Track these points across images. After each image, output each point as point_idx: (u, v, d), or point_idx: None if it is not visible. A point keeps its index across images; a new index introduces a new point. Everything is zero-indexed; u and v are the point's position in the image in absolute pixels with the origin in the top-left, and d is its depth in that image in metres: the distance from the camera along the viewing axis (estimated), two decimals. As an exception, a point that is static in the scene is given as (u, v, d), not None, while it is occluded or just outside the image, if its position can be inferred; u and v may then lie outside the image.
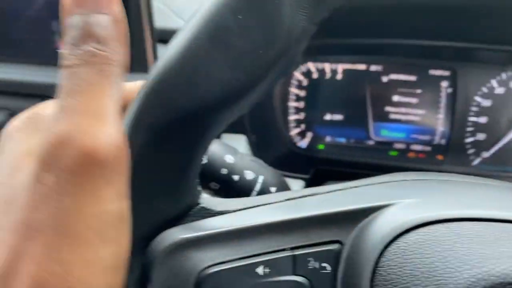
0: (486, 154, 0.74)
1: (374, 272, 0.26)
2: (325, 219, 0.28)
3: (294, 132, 0.77)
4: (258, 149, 0.72)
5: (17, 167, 0.24)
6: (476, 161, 0.74)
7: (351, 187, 0.33)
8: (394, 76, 0.74)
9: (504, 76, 0.71)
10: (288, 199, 0.31)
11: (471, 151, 0.74)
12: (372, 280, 0.26)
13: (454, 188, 0.33)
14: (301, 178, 0.73)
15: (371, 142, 0.76)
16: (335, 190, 0.33)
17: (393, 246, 0.27)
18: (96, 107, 0.22)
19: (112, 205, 0.22)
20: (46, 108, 0.28)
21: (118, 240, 0.23)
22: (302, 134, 0.77)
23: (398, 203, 0.29)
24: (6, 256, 0.21)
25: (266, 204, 0.31)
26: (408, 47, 0.73)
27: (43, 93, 0.62)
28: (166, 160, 0.27)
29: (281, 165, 0.71)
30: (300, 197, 0.32)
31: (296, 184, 0.71)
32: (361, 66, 0.74)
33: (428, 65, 0.73)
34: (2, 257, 0.21)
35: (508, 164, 0.73)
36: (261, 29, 0.26)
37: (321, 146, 0.77)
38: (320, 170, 0.75)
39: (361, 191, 0.33)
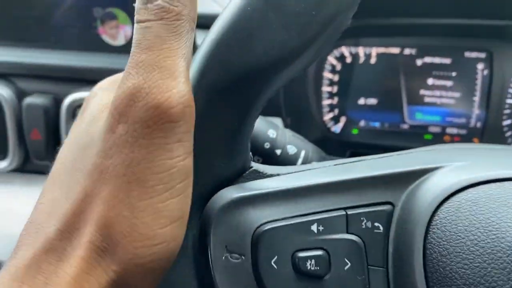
0: (523, 137, 0.72)
1: (427, 230, 0.27)
2: (376, 180, 0.29)
3: (327, 117, 0.78)
4: (294, 132, 0.72)
5: (96, 118, 0.26)
6: (514, 144, 0.73)
7: (399, 154, 0.34)
8: (428, 59, 0.73)
9: (542, 56, 0.70)
10: (336, 164, 0.32)
11: (508, 133, 0.73)
12: (425, 237, 0.27)
13: (501, 153, 0.33)
14: (337, 161, 0.73)
15: (405, 126, 0.76)
16: (386, 156, 0.33)
17: (446, 205, 0.27)
18: (168, 63, 0.23)
19: (180, 160, 0.24)
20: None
21: (184, 194, 0.24)
22: (335, 119, 0.78)
23: (448, 165, 0.30)
24: (79, 196, 0.23)
25: (316, 168, 0.31)
26: (442, 27, 0.72)
27: (85, 77, 0.64)
28: (223, 121, 0.27)
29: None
30: (349, 162, 0.32)
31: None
32: (395, 50, 0.73)
33: (464, 47, 0.72)
34: (76, 196, 0.23)
35: (546, 147, 0.72)
36: None
37: (355, 131, 0.77)
38: (355, 153, 0.75)
39: (410, 156, 0.33)
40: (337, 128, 0.78)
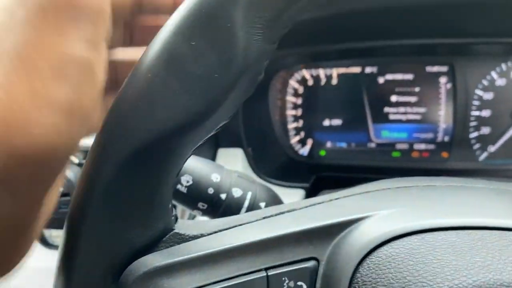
0: (492, 148, 0.72)
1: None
2: (299, 236, 0.28)
3: (294, 140, 0.77)
4: (256, 161, 0.72)
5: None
6: (483, 156, 0.72)
7: (330, 200, 0.33)
8: (390, 76, 0.73)
9: (504, 67, 0.70)
10: (264, 217, 0.31)
11: (476, 146, 0.72)
12: None
13: (434, 195, 0.32)
14: (301, 187, 0.72)
15: (372, 145, 0.75)
16: (313, 204, 0.32)
17: (368, 261, 0.26)
18: None
19: (76, 49, 0.22)
20: None
21: (78, 86, 0.23)
22: (302, 142, 0.77)
23: (374, 215, 0.29)
24: None
25: (241, 224, 0.30)
26: (402, 47, 0.72)
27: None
28: (134, 188, 0.27)
29: (281, 175, 0.71)
30: (276, 214, 0.31)
31: (294, 195, 0.70)
32: (356, 69, 0.73)
33: (425, 62, 0.72)
34: None
35: (516, 157, 0.71)
36: (215, 53, 0.26)
37: (322, 152, 0.77)
38: (319, 177, 0.74)
39: (339, 203, 0.32)
40: (304, 150, 0.77)
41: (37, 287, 0.67)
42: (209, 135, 0.29)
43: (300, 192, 0.72)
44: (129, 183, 0.26)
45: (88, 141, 0.61)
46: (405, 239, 0.27)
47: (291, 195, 0.69)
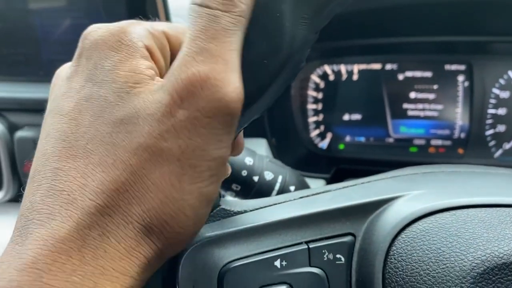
0: (507, 146, 0.74)
1: (385, 260, 0.28)
2: (337, 213, 0.30)
3: (314, 133, 0.79)
4: (279, 152, 0.74)
5: (136, 84, 0.24)
6: (498, 153, 0.74)
7: (362, 183, 0.35)
8: (409, 73, 0.75)
9: (521, 66, 0.71)
10: (302, 197, 0.33)
11: (492, 143, 0.74)
12: (384, 267, 0.28)
13: (461, 178, 0.34)
14: (322, 178, 0.75)
15: (390, 140, 0.77)
16: (347, 186, 0.34)
17: (402, 235, 0.28)
18: (232, 57, 0.24)
19: (226, 151, 0.25)
20: (134, 25, 0.27)
21: (220, 179, 0.26)
22: (322, 135, 0.79)
23: (406, 195, 0.31)
24: (123, 173, 0.23)
25: (281, 202, 0.33)
26: (422, 44, 0.73)
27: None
28: None
29: (302, 166, 0.73)
30: (313, 194, 0.34)
31: (317, 184, 0.72)
32: (376, 66, 0.75)
33: (443, 60, 0.74)
34: (119, 173, 0.23)
35: (530, 155, 0.73)
36: (265, 40, 0.28)
37: (341, 146, 0.79)
38: (340, 169, 0.76)
39: (372, 185, 0.34)
40: (323, 144, 0.79)
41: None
42: (253, 119, 0.31)
43: (322, 182, 0.74)
44: None
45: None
46: (438, 215, 0.29)
47: (313, 184, 0.72)
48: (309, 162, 0.77)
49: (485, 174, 0.36)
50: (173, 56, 0.28)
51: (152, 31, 0.27)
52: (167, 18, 0.59)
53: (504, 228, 0.27)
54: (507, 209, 0.28)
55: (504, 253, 0.25)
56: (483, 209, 0.28)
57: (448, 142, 0.76)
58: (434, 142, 0.76)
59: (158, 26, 0.28)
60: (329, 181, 0.74)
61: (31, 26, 0.65)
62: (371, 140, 0.78)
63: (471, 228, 0.27)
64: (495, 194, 0.30)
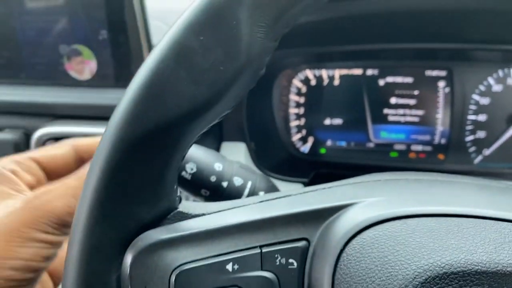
0: (487, 152, 0.74)
1: (335, 266, 0.28)
2: (292, 218, 0.31)
3: (295, 137, 0.80)
4: (258, 156, 0.74)
5: None
6: (478, 159, 0.75)
7: (323, 188, 0.35)
8: (390, 79, 0.75)
9: (501, 73, 0.72)
10: (261, 201, 0.34)
11: (472, 149, 0.74)
12: (333, 274, 0.28)
13: (420, 186, 0.35)
14: (301, 182, 0.75)
15: (371, 145, 0.78)
16: (307, 191, 0.35)
17: (353, 242, 0.29)
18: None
19: None
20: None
21: None
22: (303, 139, 0.80)
23: (362, 201, 0.31)
24: None
25: (241, 206, 0.33)
26: (403, 51, 0.74)
27: (54, 112, 0.66)
28: (142, 169, 0.29)
29: (282, 170, 0.74)
30: (273, 199, 0.34)
31: (292, 189, 0.73)
32: (357, 71, 0.76)
33: (424, 66, 0.74)
34: None
35: (510, 161, 0.73)
36: (221, 48, 0.28)
37: (322, 150, 0.79)
38: (319, 173, 0.76)
39: (332, 191, 0.35)
40: (305, 148, 0.80)
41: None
42: (212, 124, 0.31)
43: (299, 187, 0.74)
44: (138, 163, 0.29)
45: (100, 130, 0.64)
46: (388, 223, 0.29)
47: (291, 188, 0.72)
48: (289, 166, 0.77)
49: (446, 183, 0.36)
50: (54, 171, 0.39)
51: (18, 159, 0.37)
52: (145, 22, 0.60)
53: (450, 238, 0.27)
54: (457, 219, 0.29)
55: (446, 263, 0.26)
56: (434, 218, 0.29)
57: (428, 148, 0.76)
58: (414, 147, 0.77)
59: (26, 154, 0.37)
60: (308, 185, 0.74)
61: (12, 30, 0.65)
62: (352, 145, 0.78)
63: (419, 237, 0.27)
64: (448, 203, 0.30)
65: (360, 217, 0.30)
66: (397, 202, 0.31)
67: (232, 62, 0.29)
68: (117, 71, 0.63)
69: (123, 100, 0.29)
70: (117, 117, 0.29)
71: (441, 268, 0.25)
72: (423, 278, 0.25)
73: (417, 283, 0.25)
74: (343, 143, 0.78)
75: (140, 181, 0.29)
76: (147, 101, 0.28)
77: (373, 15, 0.69)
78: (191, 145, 0.31)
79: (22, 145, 0.66)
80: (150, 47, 0.61)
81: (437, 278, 0.25)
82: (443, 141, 0.75)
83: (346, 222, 0.30)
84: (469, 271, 0.25)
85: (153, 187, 0.30)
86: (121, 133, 0.28)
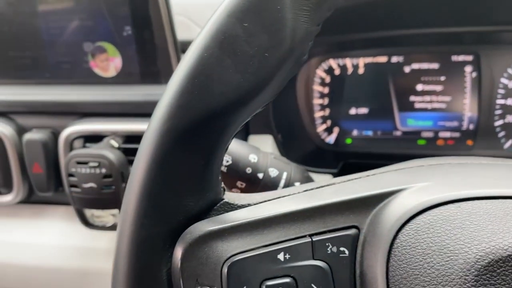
0: (517, 136, 0.73)
1: (389, 253, 0.28)
2: (341, 206, 0.30)
3: (320, 128, 0.79)
4: (285, 148, 0.74)
5: None
6: (507, 144, 0.73)
7: (367, 176, 0.35)
8: (416, 66, 0.74)
9: (530, 55, 0.70)
10: (306, 190, 0.33)
11: (501, 134, 0.73)
12: (387, 260, 0.28)
13: (466, 170, 0.34)
14: (329, 173, 0.74)
15: (398, 133, 0.77)
16: (351, 179, 0.34)
17: (406, 228, 0.28)
18: None
19: None
20: None
21: None
22: (328, 130, 0.79)
23: (411, 187, 0.31)
24: None
25: (285, 196, 0.33)
26: (428, 36, 0.73)
27: (80, 110, 0.67)
28: (189, 161, 0.29)
29: (309, 162, 0.73)
30: (317, 187, 0.33)
31: (323, 179, 0.72)
32: (382, 59, 0.74)
33: (450, 51, 0.73)
34: None
35: (541, 145, 0.72)
36: (265, 34, 0.28)
37: (348, 140, 0.78)
38: (348, 163, 0.76)
39: (376, 178, 0.34)
40: (331, 139, 0.79)
41: (76, 266, 0.70)
42: (256, 112, 0.31)
43: (328, 178, 0.74)
44: (185, 153, 0.29)
45: (127, 126, 0.64)
46: (442, 207, 0.28)
47: (320, 180, 0.71)
48: (316, 157, 0.77)
49: (491, 165, 0.35)
50: None
51: None
52: (170, 18, 0.59)
53: (509, 220, 0.26)
54: None
55: (509, 245, 0.25)
56: (489, 201, 0.28)
57: (456, 134, 0.75)
58: (442, 134, 0.75)
59: None
60: (336, 176, 0.74)
61: (36, 29, 0.65)
62: (379, 134, 0.77)
63: (476, 220, 0.27)
64: (501, 185, 0.29)
65: (411, 202, 0.29)
66: (448, 186, 0.30)
67: (277, 48, 0.28)
68: (143, 67, 0.63)
69: (167, 90, 0.29)
70: (162, 108, 0.29)
71: (504, 251, 0.25)
72: (486, 261, 0.25)
73: (480, 266, 0.25)
74: (369, 133, 0.77)
75: (186, 172, 0.29)
76: (193, 91, 0.28)
77: (396, 0, 0.68)
78: (235, 135, 0.31)
79: (50, 144, 0.66)
80: (175, 43, 0.61)
81: (500, 261, 0.25)
82: (471, 126, 0.74)
83: (397, 208, 0.29)
84: None
85: (200, 178, 0.30)
86: (167, 124, 0.28)
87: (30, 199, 0.71)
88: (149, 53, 0.62)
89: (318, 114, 0.78)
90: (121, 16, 0.61)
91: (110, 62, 0.64)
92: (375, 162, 0.76)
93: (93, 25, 0.63)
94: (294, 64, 0.30)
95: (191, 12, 0.65)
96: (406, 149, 0.76)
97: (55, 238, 0.70)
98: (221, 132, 0.29)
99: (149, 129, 0.29)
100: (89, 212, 0.62)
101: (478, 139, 0.74)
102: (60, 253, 0.69)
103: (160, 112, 0.29)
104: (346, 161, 0.76)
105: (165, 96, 0.29)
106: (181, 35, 0.62)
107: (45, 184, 0.66)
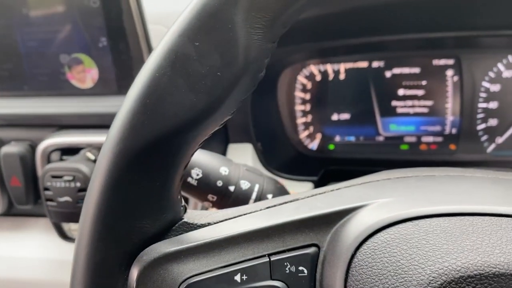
0: (500, 140, 0.72)
1: (347, 272, 0.28)
2: (300, 224, 0.30)
3: (303, 135, 0.79)
4: (265, 156, 0.73)
5: None
6: (490, 148, 0.73)
7: (331, 190, 0.34)
8: (397, 70, 0.73)
9: (510, 58, 0.70)
10: (268, 207, 0.33)
11: (484, 137, 0.73)
12: (345, 280, 0.27)
13: (431, 184, 0.34)
14: (310, 181, 0.74)
15: (380, 138, 0.76)
16: (315, 194, 0.34)
17: (364, 247, 0.28)
18: None
19: None
20: None
21: None
22: (311, 136, 0.78)
23: (372, 203, 0.30)
24: None
25: (247, 213, 0.32)
26: (409, 41, 0.72)
27: (58, 122, 0.66)
28: (144, 181, 0.29)
29: (290, 169, 0.73)
30: (280, 204, 0.33)
31: (303, 187, 0.72)
32: (363, 64, 0.74)
33: (431, 56, 0.72)
34: None
35: (524, 148, 0.72)
36: (217, 53, 0.28)
37: (331, 146, 0.78)
38: (328, 171, 0.75)
39: (340, 193, 0.34)
40: (313, 145, 0.79)
41: (55, 279, 0.70)
42: (214, 130, 0.30)
43: (309, 185, 0.73)
44: (139, 175, 0.28)
45: (104, 138, 0.64)
46: (400, 225, 0.28)
47: (300, 188, 0.71)
48: (298, 164, 0.76)
49: (458, 178, 0.35)
50: None
51: None
52: (144, 28, 0.59)
53: (464, 239, 0.26)
54: (471, 218, 0.27)
55: (462, 266, 0.24)
56: (447, 218, 0.28)
57: (439, 139, 0.75)
58: (425, 139, 0.75)
59: None
60: (317, 184, 0.73)
61: (13, 42, 0.65)
62: (361, 139, 0.77)
63: (432, 239, 0.26)
64: (461, 201, 0.29)
65: (370, 219, 0.29)
66: (408, 202, 0.30)
67: (229, 67, 0.28)
68: (119, 77, 0.63)
69: (120, 112, 0.28)
70: (115, 130, 0.28)
71: (457, 272, 0.24)
72: (438, 283, 0.24)
73: None
74: (352, 138, 0.77)
75: (141, 194, 0.29)
76: (145, 112, 0.27)
77: (376, 6, 0.68)
78: (193, 153, 0.31)
79: (28, 157, 0.66)
80: (150, 52, 0.60)
81: (453, 283, 0.24)
82: (454, 131, 0.74)
83: (356, 226, 0.29)
84: (486, 273, 0.24)
85: (156, 200, 0.29)
86: (119, 147, 0.28)
87: (9, 212, 0.71)
88: (125, 64, 0.61)
89: (300, 120, 0.78)
90: (96, 27, 0.60)
91: (86, 74, 0.64)
92: (357, 168, 0.76)
93: (69, 36, 0.62)
94: (249, 81, 0.29)
95: (167, 21, 0.64)
96: (389, 155, 0.76)
97: (35, 250, 0.70)
98: (177, 153, 0.29)
99: (103, 150, 0.28)
100: (66, 226, 0.62)
101: (461, 143, 0.74)
102: (39, 266, 0.69)
103: (113, 134, 0.28)
104: (327, 167, 0.75)
105: (118, 117, 0.28)
106: (156, 44, 0.61)
107: (24, 197, 0.66)
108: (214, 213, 0.33)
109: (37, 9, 0.62)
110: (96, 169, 0.29)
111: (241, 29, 0.28)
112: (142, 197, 0.29)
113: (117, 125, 0.28)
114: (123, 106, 0.28)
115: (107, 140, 0.28)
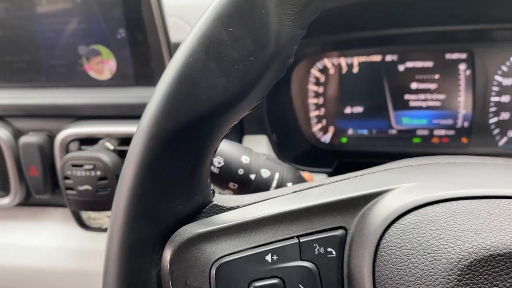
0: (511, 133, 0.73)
1: (375, 253, 0.28)
2: (328, 207, 0.31)
3: (316, 128, 0.79)
4: (280, 148, 0.74)
5: None
6: (502, 141, 0.73)
7: (356, 176, 0.35)
8: (410, 64, 0.74)
9: (523, 52, 0.70)
10: (295, 191, 0.33)
11: (496, 131, 0.73)
12: (374, 261, 0.28)
13: (454, 170, 0.34)
14: (324, 172, 0.75)
15: (393, 131, 0.77)
16: (340, 180, 0.35)
17: (392, 228, 0.29)
18: None
19: None
20: None
21: None
22: (324, 129, 0.79)
23: (398, 187, 0.31)
24: None
25: (274, 197, 0.33)
26: (422, 34, 0.73)
27: (76, 113, 0.67)
28: (177, 164, 0.29)
29: (304, 161, 0.74)
30: (306, 188, 0.34)
31: (318, 179, 0.72)
32: (376, 57, 0.75)
33: (444, 49, 0.73)
34: None
35: (536, 141, 0.72)
36: (250, 38, 0.28)
37: (344, 139, 0.79)
38: (342, 163, 0.76)
39: (365, 178, 0.34)
40: (326, 138, 0.79)
41: (73, 268, 0.70)
42: (243, 116, 0.31)
43: (323, 177, 0.74)
44: (173, 157, 0.29)
45: (122, 129, 0.65)
46: (428, 207, 0.29)
47: (315, 180, 0.71)
48: (311, 157, 0.77)
49: (479, 165, 0.36)
50: None
51: None
52: (163, 19, 0.60)
53: (492, 220, 0.27)
54: (497, 201, 0.28)
55: (491, 245, 0.25)
56: (473, 200, 0.28)
57: (451, 132, 0.75)
58: (437, 132, 0.76)
59: None
60: (332, 176, 0.74)
61: (32, 33, 0.66)
62: (374, 133, 0.78)
63: (460, 220, 0.27)
64: (486, 185, 0.30)
65: (398, 202, 0.29)
66: (434, 186, 0.31)
67: (261, 52, 0.29)
68: (137, 69, 0.63)
69: (154, 95, 0.29)
70: (149, 113, 0.29)
71: (487, 251, 0.25)
72: (468, 261, 0.25)
73: (462, 266, 0.25)
74: (365, 131, 0.78)
75: (175, 175, 0.29)
76: (179, 95, 0.28)
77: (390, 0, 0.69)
78: (223, 138, 0.31)
79: (46, 147, 0.67)
80: (168, 44, 0.61)
81: (482, 261, 0.25)
82: (466, 124, 0.74)
83: (383, 209, 0.30)
84: None
85: (188, 181, 0.30)
86: (154, 129, 0.28)
87: (27, 201, 0.72)
88: (143, 55, 0.62)
89: (313, 113, 0.79)
90: (114, 19, 0.61)
91: (104, 65, 0.65)
92: (370, 161, 0.76)
93: (87, 28, 0.63)
94: (280, 67, 0.30)
95: (183, 13, 0.65)
96: (401, 148, 0.76)
97: (53, 240, 0.71)
98: (209, 136, 0.30)
99: (137, 133, 0.29)
100: (85, 214, 0.63)
101: (473, 137, 0.74)
102: (57, 255, 0.70)
103: (147, 117, 0.29)
104: (340, 160, 0.76)
105: (152, 101, 0.29)
106: (174, 36, 0.62)
107: (42, 187, 0.67)
108: (242, 197, 0.34)
109: (55, 0, 0.63)
110: (130, 152, 0.29)
111: (274, 15, 0.28)
112: (175, 179, 0.30)
113: (152, 108, 0.29)
114: (157, 90, 0.29)
115: (141, 123, 0.29)
